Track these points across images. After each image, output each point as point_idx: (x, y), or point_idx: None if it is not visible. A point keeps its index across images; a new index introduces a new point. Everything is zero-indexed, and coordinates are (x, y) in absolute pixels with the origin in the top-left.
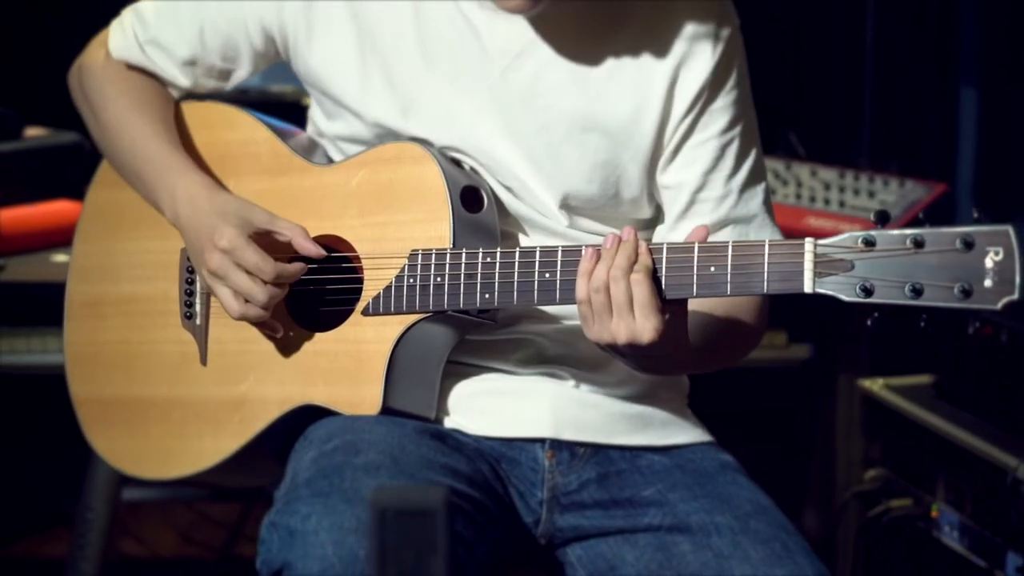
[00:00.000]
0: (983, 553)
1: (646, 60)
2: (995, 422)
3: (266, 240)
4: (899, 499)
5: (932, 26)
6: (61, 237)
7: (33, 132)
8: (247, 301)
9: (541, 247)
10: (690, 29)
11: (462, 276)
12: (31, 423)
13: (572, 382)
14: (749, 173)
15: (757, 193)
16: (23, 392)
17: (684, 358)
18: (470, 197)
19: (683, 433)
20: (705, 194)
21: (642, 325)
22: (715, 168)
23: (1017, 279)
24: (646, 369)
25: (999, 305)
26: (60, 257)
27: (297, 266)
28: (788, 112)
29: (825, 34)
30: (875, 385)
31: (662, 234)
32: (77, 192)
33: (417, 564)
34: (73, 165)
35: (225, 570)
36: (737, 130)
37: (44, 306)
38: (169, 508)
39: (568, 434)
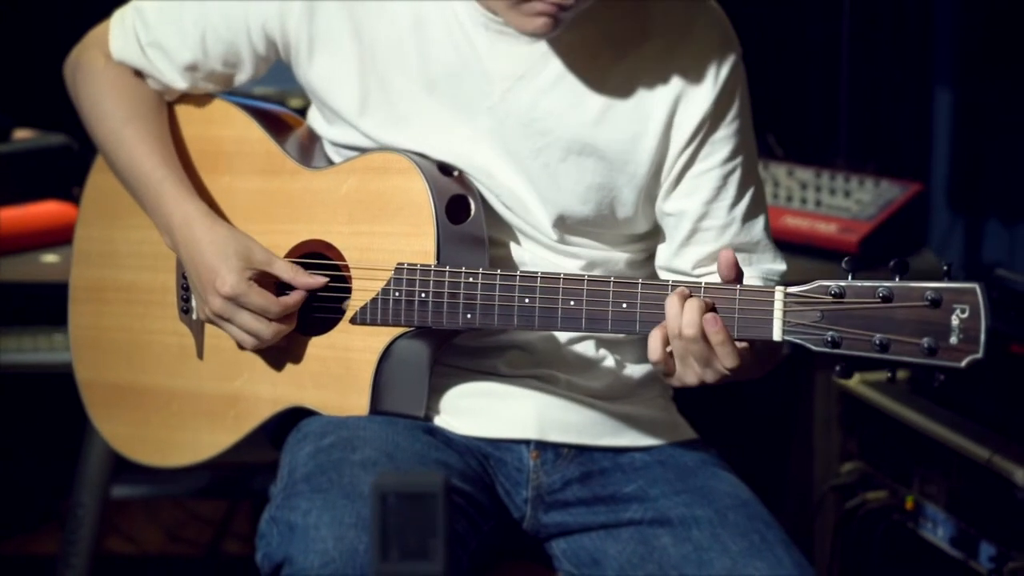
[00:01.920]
0: (958, 543)
1: (647, 88)
2: (969, 416)
3: (265, 276)
4: (875, 492)
5: (908, 28)
6: (51, 238)
7: (22, 134)
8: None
9: (521, 272)
10: (693, 59)
11: (445, 295)
12: (21, 422)
13: (558, 385)
14: (751, 202)
15: (759, 221)
16: (13, 391)
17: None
18: (457, 207)
19: (667, 432)
20: (708, 223)
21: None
22: (717, 198)
23: (982, 338)
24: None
25: (963, 363)
26: (50, 257)
27: (297, 296)
28: (766, 113)
29: (803, 36)
30: (851, 381)
31: (665, 258)
32: (65, 193)
33: (418, 546)
34: (61, 167)
35: (211, 567)
36: (739, 160)
37: (35, 306)
38: (155, 505)
39: (553, 435)
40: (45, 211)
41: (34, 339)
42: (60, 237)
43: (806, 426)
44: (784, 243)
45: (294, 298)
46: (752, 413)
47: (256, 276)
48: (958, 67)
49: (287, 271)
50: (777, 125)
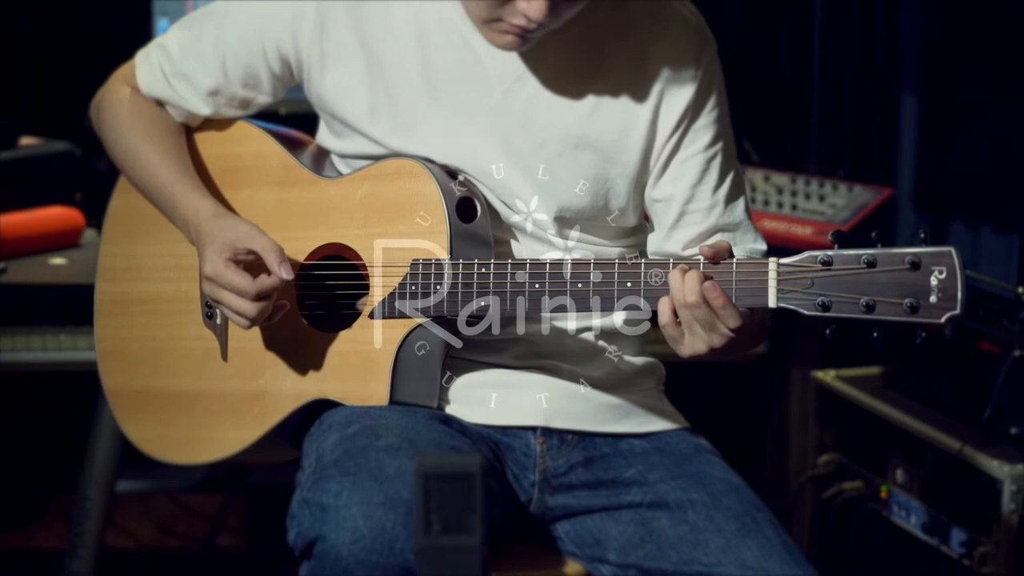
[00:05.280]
0: (930, 530)
1: (634, 82)
2: (940, 408)
3: (254, 257)
4: (851, 482)
5: (876, 38)
6: (58, 241)
7: (27, 141)
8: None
9: (531, 260)
10: (674, 53)
11: (459, 285)
12: (26, 418)
13: (561, 375)
14: (732, 185)
15: (740, 203)
16: (20, 389)
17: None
18: (465, 208)
19: (661, 420)
20: (694, 205)
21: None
22: (701, 181)
23: (959, 296)
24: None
25: (943, 319)
26: (57, 260)
27: (273, 279)
28: (742, 120)
29: (774, 47)
30: (827, 376)
31: (656, 243)
32: (69, 198)
33: (458, 521)
34: (65, 172)
35: (206, 562)
36: (719, 146)
37: (43, 306)
38: (150, 500)
39: (558, 423)
40: (52, 215)
41: (43, 339)
42: (66, 240)
43: (784, 420)
44: None
45: (270, 281)
46: (732, 407)
47: (235, 257)
48: (923, 76)
49: (263, 249)
50: (753, 132)
